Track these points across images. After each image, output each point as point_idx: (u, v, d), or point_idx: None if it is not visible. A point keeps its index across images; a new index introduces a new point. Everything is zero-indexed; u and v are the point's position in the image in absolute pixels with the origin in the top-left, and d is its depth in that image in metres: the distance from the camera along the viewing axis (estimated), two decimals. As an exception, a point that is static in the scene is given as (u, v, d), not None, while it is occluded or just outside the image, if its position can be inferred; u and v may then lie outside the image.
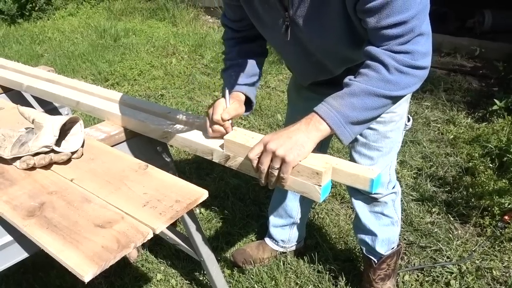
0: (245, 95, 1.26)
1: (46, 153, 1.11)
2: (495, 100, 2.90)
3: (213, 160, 1.19)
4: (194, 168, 2.60)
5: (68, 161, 1.14)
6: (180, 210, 0.96)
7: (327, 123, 1.00)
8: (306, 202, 1.84)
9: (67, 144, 1.15)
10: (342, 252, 1.96)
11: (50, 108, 1.85)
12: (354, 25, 1.05)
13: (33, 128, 1.17)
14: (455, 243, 1.96)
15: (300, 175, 1.00)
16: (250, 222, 2.19)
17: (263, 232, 2.05)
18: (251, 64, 1.32)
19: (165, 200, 0.99)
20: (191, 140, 1.20)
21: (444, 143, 2.75)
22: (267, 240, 1.95)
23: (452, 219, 2.11)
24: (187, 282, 1.87)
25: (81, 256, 0.83)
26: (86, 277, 0.80)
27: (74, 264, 0.81)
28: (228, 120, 1.16)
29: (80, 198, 1.00)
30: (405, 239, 2.02)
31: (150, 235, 0.90)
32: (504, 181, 2.25)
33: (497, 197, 2.13)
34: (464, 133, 2.82)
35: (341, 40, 1.10)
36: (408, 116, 1.44)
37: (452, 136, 2.80)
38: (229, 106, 1.16)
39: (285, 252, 1.95)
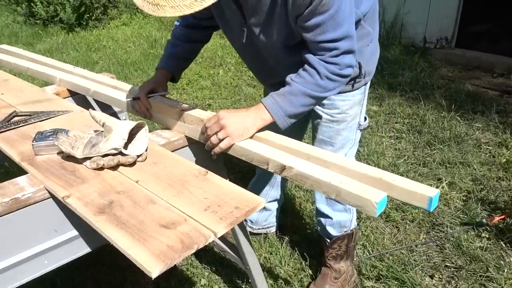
0: (171, 74, 1.60)
1: (114, 155, 1.18)
2: (552, 125, 2.79)
3: (268, 170, 1.23)
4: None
5: (133, 163, 1.20)
6: (239, 217, 1.00)
7: (271, 115, 1.28)
8: (275, 187, 2.01)
9: (133, 147, 1.22)
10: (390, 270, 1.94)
11: (110, 113, 1.95)
12: (295, 35, 1.29)
13: (102, 131, 1.25)
14: (506, 270, 1.89)
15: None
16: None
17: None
18: (189, 48, 1.63)
19: (225, 206, 1.03)
20: (248, 149, 1.24)
21: (496, 167, 2.66)
22: None
23: (504, 245, 2.03)
24: (230, 289, 1.91)
25: (148, 253, 0.88)
26: (154, 273, 0.84)
27: (143, 260, 0.86)
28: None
29: (145, 199, 1.06)
30: (453, 263, 1.97)
31: (212, 238, 0.94)
32: (561, 209, 2.15)
33: (553, 225, 2.05)
34: (518, 157, 2.72)
35: (284, 46, 1.35)
36: (365, 116, 1.68)
37: (504, 160, 2.70)
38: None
39: (256, 234, 2.13)
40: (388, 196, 1.06)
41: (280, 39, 1.33)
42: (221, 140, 1.26)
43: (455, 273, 1.92)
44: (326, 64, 1.25)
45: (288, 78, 1.30)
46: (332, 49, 1.24)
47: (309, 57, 1.26)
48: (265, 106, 1.29)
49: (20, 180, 1.16)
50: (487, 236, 2.10)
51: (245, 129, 1.27)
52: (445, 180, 2.52)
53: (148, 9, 1.03)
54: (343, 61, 1.26)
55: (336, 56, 1.25)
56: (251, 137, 1.30)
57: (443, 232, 2.16)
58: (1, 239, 1.07)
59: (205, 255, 2.08)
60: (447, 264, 1.97)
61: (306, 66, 1.28)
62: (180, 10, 1.00)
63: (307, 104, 1.30)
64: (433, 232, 2.17)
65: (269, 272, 1.96)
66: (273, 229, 2.17)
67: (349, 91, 1.54)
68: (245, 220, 2.06)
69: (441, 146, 2.88)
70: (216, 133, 1.26)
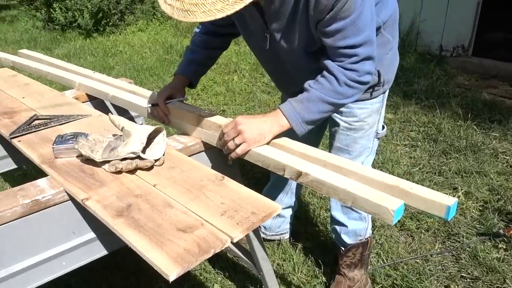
0: (189, 79, 1.62)
1: (132, 158, 1.20)
2: None
3: (284, 176, 1.23)
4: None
5: (151, 167, 1.22)
6: (256, 222, 1.00)
7: (288, 121, 1.28)
8: (290, 194, 2.01)
9: (151, 152, 1.24)
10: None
11: (127, 117, 1.97)
12: (315, 41, 1.30)
13: (121, 135, 1.27)
14: (524, 282, 1.86)
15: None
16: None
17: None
18: (208, 55, 1.65)
19: (242, 211, 1.03)
20: (265, 155, 1.25)
21: (513, 177, 2.62)
22: None
23: (521, 257, 2.00)
24: (243, 295, 1.91)
25: (166, 256, 0.89)
26: (171, 277, 0.85)
27: (160, 263, 0.87)
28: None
29: (162, 203, 1.07)
30: (469, 274, 1.94)
31: (228, 243, 0.94)
32: None
33: None
34: (536, 168, 2.68)
35: (305, 52, 1.35)
36: (383, 125, 1.67)
37: (522, 170, 2.67)
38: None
39: (270, 240, 2.14)
40: (405, 204, 1.05)
41: (301, 44, 1.33)
42: (238, 146, 1.27)
43: (471, 284, 1.89)
44: (345, 70, 1.25)
45: (306, 85, 1.30)
46: (352, 55, 1.24)
47: (328, 63, 1.27)
48: (282, 112, 1.29)
49: (41, 182, 1.18)
50: (504, 247, 2.07)
51: (261, 135, 1.28)
52: (461, 190, 2.49)
53: (178, 16, 1.03)
54: (362, 68, 1.26)
55: (356, 62, 1.25)
56: (267, 143, 1.31)
57: (459, 242, 2.13)
58: (22, 240, 1.09)
59: (219, 260, 2.08)
60: (463, 274, 1.94)
61: (324, 72, 1.28)
62: (212, 14, 1.00)
63: (325, 111, 1.30)
64: (449, 242, 2.15)
65: (282, 278, 1.96)
66: (287, 236, 2.17)
67: (368, 99, 1.54)
68: (259, 226, 2.06)
69: (457, 155, 2.85)
70: (233, 138, 1.27)
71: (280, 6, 1.26)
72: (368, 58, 1.26)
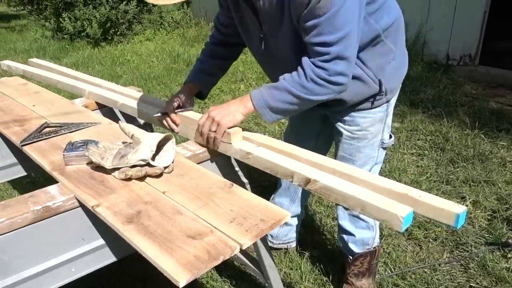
0: (198, 88, 1.64)
1: (142, 166, 1.21)
2: None
3: (293, 183, 1.23)
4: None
5: (160, 175, 1.23)
6: (265, 229, 1.01)
7: (252, 103, 1.34)
8: (297, 203, 2.00)
9: (160, 159, 1.25)
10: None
11: (136, 125, 1.98)
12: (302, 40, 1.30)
13: (130, 143, 1.28)
14: (534, 293, 1.84)
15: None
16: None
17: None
18: (216, 65, 1.67)
19: (251, 218, 1.04)
20: (273, 162, 1.25)
21: (522, 186, 2.60)
22: None
23: (531, 266, 1.98)
24: (250, 303, 1.90)
25: (176, 263, 0.89)
26: (181, 283, 0.85)
27: (170, 270, 0.87)
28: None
29: (172, 210, 1.08)
30: (477, 284, 1.92)
31: (237, 250, 0.95)
32: None
33: None
34: (545, 177, 2.65)
35: (299, 52, 1.34)
36: (390, 134, 1.65)
37: (531, 179, 2.65)
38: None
39: (276, 248, 2.13)
40: (413, 213, 1.05)
41: (292, 44, 1.34)
42: (215, 131, 1.36)
43: (481, 294, 1.87)
44: (314, 67, 1.26)
45: (281, 76, 1.34)
46: (323, 53, 1.23)
47: (303, 59, 1.29)
48: (250, 96, 1.35)
49: (51, 189, 1.19)
50: (513, 257, 2.05)
51: (230, 114, 1.35)
52: (469, 199, 2.47)
53: None
54: (333, 67, 1.25)
55: (326, 61, 1.24)
56: (244, 132, 1.38)
57: (468, 251, 2.12)
58: (32, 246, 1.10)
59: (225, 268, 2.08)
60: (471, 284, 1.93)
61: (298, 67, 1.30)
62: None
63: (290, 102, 1.31)
64: (457, 251, 2.13)
65: (289, 287, 1.95)
66: (294, 244, 2.16)
67: (369, 109, 1.52)
68: (266, 235, 2.06)
69: (464, 164, 2.84)
70: (209, 127, 1.36)
71: (269, 6, 1.30)
72: (341, 57, 1.24)
